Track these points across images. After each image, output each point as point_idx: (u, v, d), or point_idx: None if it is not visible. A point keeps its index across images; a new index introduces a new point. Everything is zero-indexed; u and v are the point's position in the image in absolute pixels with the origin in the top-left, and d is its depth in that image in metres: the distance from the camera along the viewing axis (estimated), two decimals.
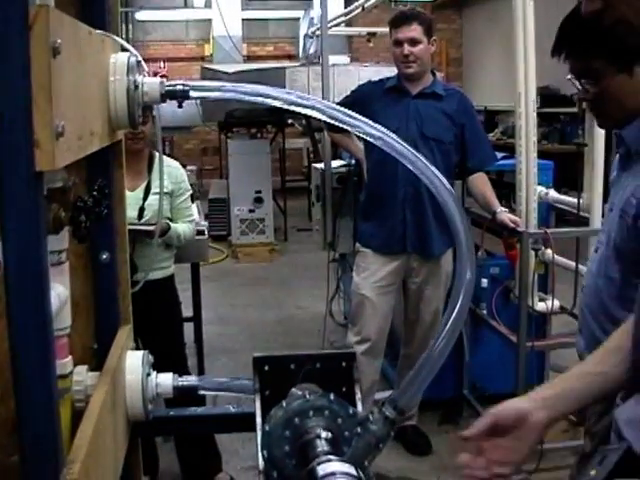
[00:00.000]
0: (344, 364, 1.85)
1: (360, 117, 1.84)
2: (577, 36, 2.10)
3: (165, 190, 3.85)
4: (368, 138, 1.84)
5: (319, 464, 1.41)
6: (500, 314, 4.63)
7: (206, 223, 4.82)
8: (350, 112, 1.84)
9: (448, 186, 1.86)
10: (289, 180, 12.22)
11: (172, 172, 3.91)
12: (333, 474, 1.37)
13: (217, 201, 10.27)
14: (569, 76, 2.16)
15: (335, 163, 5.52)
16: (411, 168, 1.84)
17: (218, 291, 7.92)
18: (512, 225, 4.12)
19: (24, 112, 1.12)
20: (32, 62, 1.12)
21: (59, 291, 1.54)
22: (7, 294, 1.19)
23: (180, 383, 2.04)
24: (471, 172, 4.39)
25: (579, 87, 2.16)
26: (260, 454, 1.66)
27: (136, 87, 1.75)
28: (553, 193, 4.55)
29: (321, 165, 5.64)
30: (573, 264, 4.33)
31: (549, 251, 4.24)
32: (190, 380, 2.06)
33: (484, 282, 4.62)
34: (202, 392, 2.07)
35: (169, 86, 1.78)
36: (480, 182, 4.38)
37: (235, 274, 8.97)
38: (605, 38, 2.01)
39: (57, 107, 1.17)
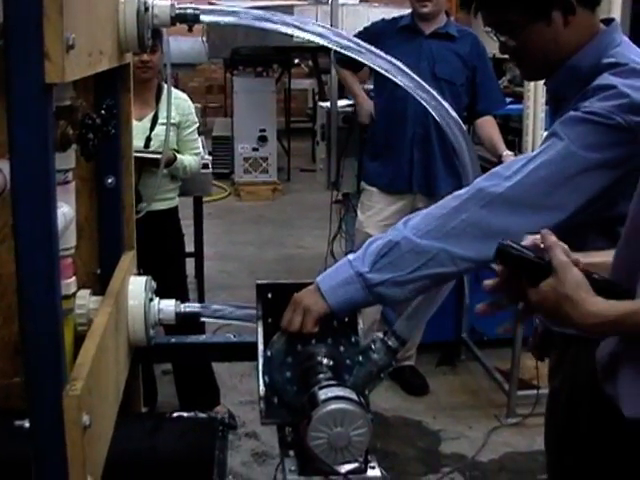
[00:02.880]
0: None
1: (374, 49, 1.83)
2: None
3: (172, 121, 3.83)
4: (380, 69, 1.83)
5: (320, 389, 1.42)
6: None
7: (210, 157, 4.79)
8: (364, 44, 1.83)
9: (459, 121, 1.87)
10: (293, 121, 12.14)
11: (180, 104, 3.89)
12: (335, 398, 1.38)
13: (221, 139, 10.21)
14: (486, 28, 1.96)
15: (341, 102, 5.48)
16: (421, 101, 1.84)
17: (219, 228, 7.91)
18: None
19: (35, 23, 1.11)
20: None
21: (65, 210, 1.54)
22: (13, 209, 1.19)
23: (182, 310, 2.05)
24: (480, 115, 4.37)
25: (497, 40, 1.95)
26: (261, 380, 1.68)
27: (146, 9, 1.73)
28: None
29: (327, 104, 5.60)
30: None
31: None
32: (192, 307, 2.07)
33: None
34: (204, 319, 2.08)
35: (180, 9, 1.77)
36: (488, 125, 4.36)
37: (237, 212, 8.95)
38: None
39: (68, 20, 1.16)
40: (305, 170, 10.91)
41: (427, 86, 1.84)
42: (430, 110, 1.85)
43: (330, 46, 1.80)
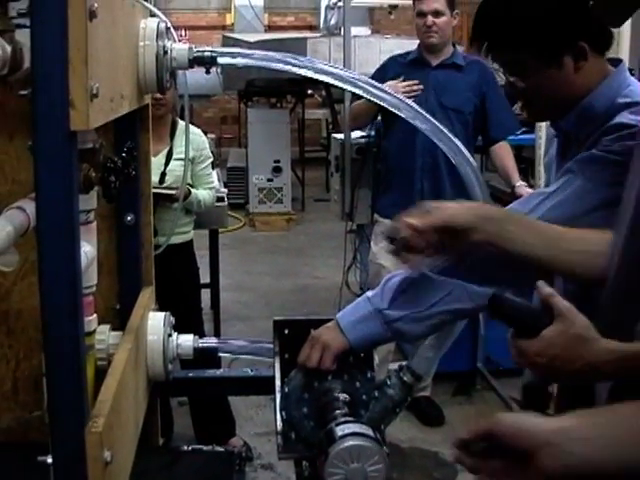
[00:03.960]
0: None
1: (387, 90, 1.88)
2: (497, 28, 1.84)
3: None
4: (390, 107, 1.87)
5: (337, 425, 1.45)
6: None
7: (225, 190, 4.85)
8: (375, 83, 1.87)
9: (467, 155, 1.90)
10: (307, 151, 12.19)
11: (194, 139, 3.94)
12: (351, 434, 1.41)
13: (236, 169, 10.27)
14: (494, 65, 1.97)
15: (355, 134, 5.52)
16: (431, 137, 1.88)
17: (235, 259, 7.95)
18: None
19: (61, 73, 1.15)
20: (69, 24, 1.15)
21: (87, 249, 1.58)
22: (39, 250, 1.23)
23: (200, 345, 2.08)
24: (493, 142, 4.40)
25: (505, 80, 1.94)
26: (278, 415, 1.70)
27: (165, 52, 1.78)
28: None
29: (341, 136, 5.64)
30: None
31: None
32: (210, 342, 2.10)
33: None
34: (222, 354, 2.11)
35: (198, 52, 1.81)
36: (502, 153, 4.39)
37: (252, 242, 9.00)
38: (529, 31, 1.78)
39: (92, 69, 1.20)
40: (319, 200, 10.93)
41: (439, 124, 1.88)
42: (441, 146, 1.88)
43: (342, 86, 1.85)
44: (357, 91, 1.86)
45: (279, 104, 10.51)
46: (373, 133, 5.10)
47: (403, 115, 1.88)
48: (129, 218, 2.03)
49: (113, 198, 1.49)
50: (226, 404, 4.13)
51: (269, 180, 9.65)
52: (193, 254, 4.14)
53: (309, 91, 11.28)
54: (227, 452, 2.24)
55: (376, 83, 1.88)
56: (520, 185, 4.20)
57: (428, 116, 1.90)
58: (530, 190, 4.16)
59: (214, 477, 2.18)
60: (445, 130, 1.89)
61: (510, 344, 1.41)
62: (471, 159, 1.92)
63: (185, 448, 2.30)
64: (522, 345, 1.38)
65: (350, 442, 1.39)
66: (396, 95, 1.88)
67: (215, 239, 4.98)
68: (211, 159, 4.07)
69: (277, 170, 9.61)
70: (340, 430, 1.43)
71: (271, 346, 1.97)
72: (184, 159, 3.61)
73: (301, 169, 11.08)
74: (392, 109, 1.88)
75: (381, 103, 1.88)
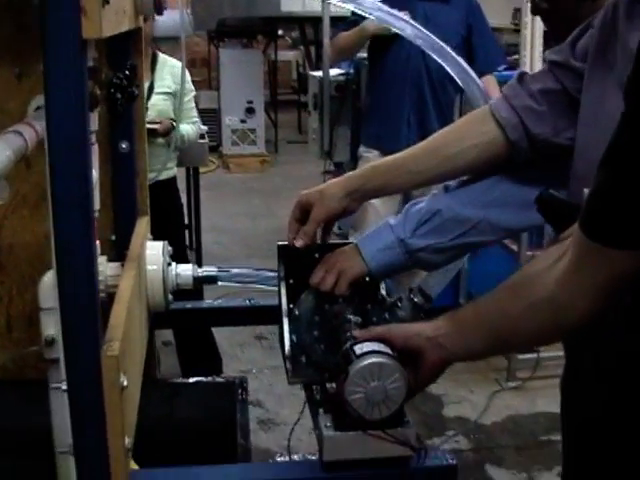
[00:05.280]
0: None
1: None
2: None
3: (168, 90, 3.81)
4: (397, 30, 1.84)
5: (355, 344, 1.42)
6: None
7: (205, 127, 4.76)
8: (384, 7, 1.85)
9: (474, 75, 1.89)
10: (279, 93, 12.09)
11: (176, 72, 3.86)
12: (370, 352, 1.38)
13: (208, 111, 10.10)
14: None
15: (333, 72, 5.45)
16: (441, 62, 1.86)
17: (210, 201, 7.85)
18: None
19: None
20: None
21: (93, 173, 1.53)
22: (51, 170, 1.17)
23: (200, 274, 2.04)
24: (480, 74, 4.33)
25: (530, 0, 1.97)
26: (287, 340, 1.67)
27: None
28: None
29: (319, 73, 5.57)
30: None
31: None
32: (210, 271, 2.06)
33: None
34: (222, 283, 2.07)
35: None
36: (489, 86, 4.32)
37: (226, 184, 8.92)
38: None
39: None
40: (292, 142, 10.91)
41: (447, 48, 1.86)
42: (449, 70, 1.86)
43: (349, 7, 1.80)
44: (365, 13, 1.82)
45: (250, 45, 10.38)
46: (352, 70, 5.04)
47: (412, 39, 1.85)
48: (124, 146, 1.98)
49: (120, 116, 1.44)
50: (212, 341, 4.11)
51: (242, 121, 9.58)
52: (177, 190, 4.08)
53: (279, 32, 11.15)
54: (227, 383, 2.22)
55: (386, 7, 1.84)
56: None
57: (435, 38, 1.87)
58: None
59: (216, 408, 2.16)
60: (452, 52, 1.87)
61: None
62: (478, 80, 1.90)
63: (185, 380, 2.28)
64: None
65: (371, 359, 1.36)
66: (402, 17, 1.85)
67: (197, 178, 4.91)
68: (194, 92, 3.99)
69: (250, 111, 9.53)
70: (359, 349, 1.40)
71: (272, 274, 1.95)
72: (167, 93, 3.55)
73: (273, 111, 10.99)
74: (399, 31, 1.84)
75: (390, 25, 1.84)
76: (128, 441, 1.38)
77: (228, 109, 9.56)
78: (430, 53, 1.88)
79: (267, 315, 2.16)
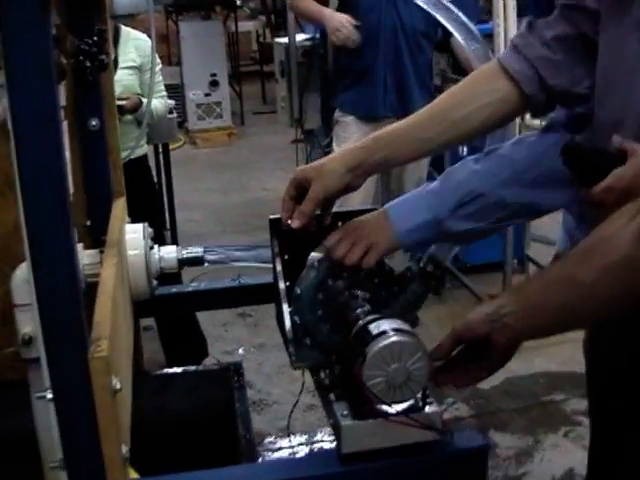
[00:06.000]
0: None
1: None
2: None
3: (133, 64, 3.65)
4: None
5: (369, 323, 1.28)
6: None
7: (172, 102, 4.56)
8: None
9: (473, 28, 1.78)
10: (240, 65, 11.89)
11: (140, 45, 3.69)
12: (389, 331, 1.24)
13: (171, 87, 9.84)
14: None
15: (298, 37, 5.32)
16: (439, 18, 1.75)
17: (179, 177, 7.60)
18: None
19: None
20: None
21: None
22: (18, 151, 1.01)
23: (185, 255, 1.90)
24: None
25: None
26: (287, 321, 1.53)
27: None
28: None
29: (284, 40, 5.42)
30: None
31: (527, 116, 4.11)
32: (195, 251, 1.91)
33: (464, 149, 4.47)
34: (208, 264, 1.93)
35: None
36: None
37: (195, 160, 8.70)
38: None
39: None
40: (258, 113, 10.78)
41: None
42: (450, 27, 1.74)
43: None
44: None
45: (209, 17, 10.16)
46: (318, 35, 4.90)
47: None
48: (94, 123, 1.82)
49: (91, 86, 1.28)
50: (196, 323, 3.95)
51: (207, 95, 9.37)
52: (149, 168, 3.92)
53: (237, 2, 10.93)
54: (221, 369, 2.09)
55: None
56: None
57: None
58: None
59: (211, 398, 2.03)
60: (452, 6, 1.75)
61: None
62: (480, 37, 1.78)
63: (174, 371, 2.13)
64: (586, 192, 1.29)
65: (390, 339, 1.23)
66: None
67: (167, 155, 4.73)
68: (160, 65, 3.81)
69: (214, 84, 9.33)
70: (374, 328, 1.26)
71: (263, 251, 1.81)
72: (132, 67, 3.39)
73: (237, 83, 10.81)
74: None
75: None
76: (125, 450, 1.24)
77: (191, 83, 9.35)
78: (427, 8, 1.73)
79: (259, 294, 2.03)
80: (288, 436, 1.65)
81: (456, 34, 1.77)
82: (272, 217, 1.66)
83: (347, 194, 1.56)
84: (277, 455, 3.18)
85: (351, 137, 4.16)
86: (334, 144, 4.33)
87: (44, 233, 1.06)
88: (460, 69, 4.80)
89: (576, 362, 3.95)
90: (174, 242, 4.80)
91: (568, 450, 3.35)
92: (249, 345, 4.40)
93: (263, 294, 1.97)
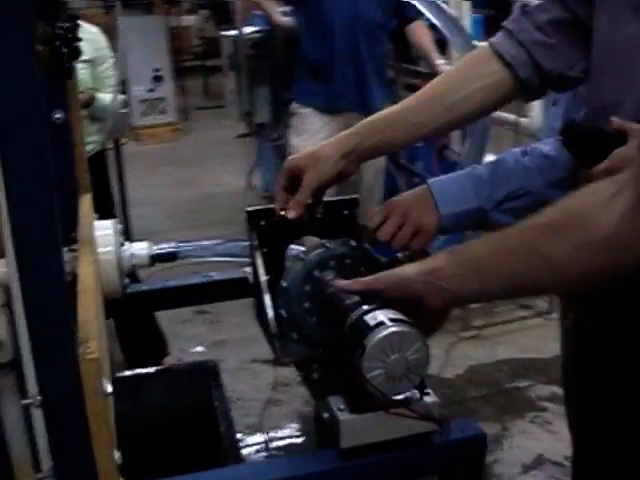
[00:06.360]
0: (346, 212, 1.67)
1: None
2: None
3: (86, 57, 3.55)
4: None
5: (365, 313, 1.24)
6: (437, 173, 4.50)
7: (125, 96, 4.48)
8: None
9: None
10: (183, 60, 11.80)
11: (91, 38, 3.61)
12: (386, 321, 1.20)
13: None
14: None
15: (247, 29, 5.26)
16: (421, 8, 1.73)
17: (127, 174, 7.59)
18: None
19: None
20: None
21: None
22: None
23: (157, 251, 1.85)
24: (409, 20, 4.17)
25: None
26: (271, 314, 1.49)
27: None
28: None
29: (232, 32, 5.37)
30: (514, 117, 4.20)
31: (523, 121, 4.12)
32: (168, 247, 1.86)
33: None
34: (183, 259, 1.88)
35: None
36: (419, 31, 4.15)
37: (141, 156, 8.55)
38: None
39: None
40: (202, 108, 10.72)
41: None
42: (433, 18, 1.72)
43: None
44: None
45: (150, 11, 10.04)
46: (268, 27, 4.86)
47: None
48: (58, 116, 1.74)
49: (68, 73, 1.22)
50: (154, 321, 3.87)
51: (150, 90, 9.28)
52: (106, 165, 3.84)
53: None
54: (197, 367, 2.04)
55: None
56: (440, 63, 3.99)
57: None
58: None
59: (188, 396, 1.97)
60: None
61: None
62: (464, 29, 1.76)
63: (146, 371, 2.07)
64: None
65: (389, 330, 1.18)
66: None
67: (118, 150, 4.64)
68: (112, 59, 3.74)
69: (158, 79, 9.25)
70: (371, 319, 1.22)
71: (238, 244, 1.76)
72: (85, 60, 3.31)
73: (180, 78, 10.71)
74: None
75: None
76: (117, 455, 1.18)
77: (134, 79, 9.21)
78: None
79: (233, 290, 1.98)
80: (266, 433, 1.62)
81: (438, 23, 1.76)
82: (249, 209, 1.61)
83: (339, 182, 1.54)
84: (247, 451, 3.15)
85: (311, 128, 4.13)
86: (291, 136, 4.28)
87: (32, 232, 1.00)
88: (412, 59, 4.80)
89: (538, 349, 4.01)
90: (127, 239, 4.71)
91: (536, 436, 3.35)
92: (209, 342, 4.34)
93: (237, 289, 1.92)
